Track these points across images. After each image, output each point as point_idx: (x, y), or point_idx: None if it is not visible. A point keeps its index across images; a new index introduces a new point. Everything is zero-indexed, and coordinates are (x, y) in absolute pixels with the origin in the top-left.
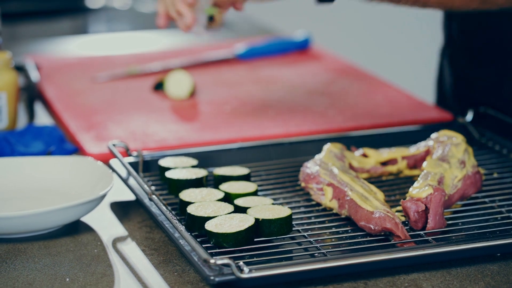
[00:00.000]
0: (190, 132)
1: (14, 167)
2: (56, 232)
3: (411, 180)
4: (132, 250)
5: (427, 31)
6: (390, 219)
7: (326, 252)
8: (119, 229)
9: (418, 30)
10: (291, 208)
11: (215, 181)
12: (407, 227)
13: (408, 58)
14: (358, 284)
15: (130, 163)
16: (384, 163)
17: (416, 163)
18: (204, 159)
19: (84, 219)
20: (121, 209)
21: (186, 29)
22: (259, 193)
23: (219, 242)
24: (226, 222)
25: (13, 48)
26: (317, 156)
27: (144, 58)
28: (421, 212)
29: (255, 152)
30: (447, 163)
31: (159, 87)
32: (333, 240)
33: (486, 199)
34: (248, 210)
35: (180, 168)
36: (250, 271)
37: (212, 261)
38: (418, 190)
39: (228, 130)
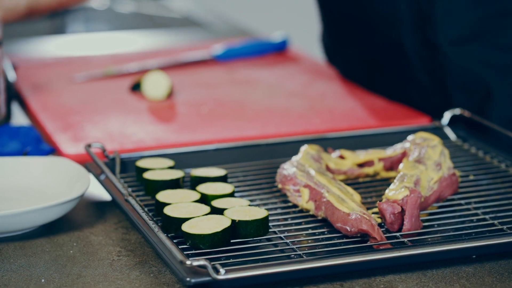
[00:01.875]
0: (167, 133)
1: None
2: (32, 233)
3: (387, 182)
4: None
5: None
6: (366, 220)
7: (303, 253)
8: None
9: None
10: (268, 209)
11: (192, 182)
12: (383, 229)
13: None
14: (334, 286)
15: (107, 164)
16: (360, 165)
17: (392, 165)
18: (181, 160)
19: (60, 220)
20: (98, 210)
21: None
22: (236, 194)
23: (196, 243)
24: (202, 224)
25: None
26: (294, 158)
27: (122, 58)
28: (397, 214)
29: (232, 153)
30: (423, 165)
31: (136, 87)
32: (309, 241)
33: (462, 201)
34: (225, 212)
35: (157, 169)
36: (226, 272)
37: (188, 262)
38: (394, 192)
39: (205, 131)
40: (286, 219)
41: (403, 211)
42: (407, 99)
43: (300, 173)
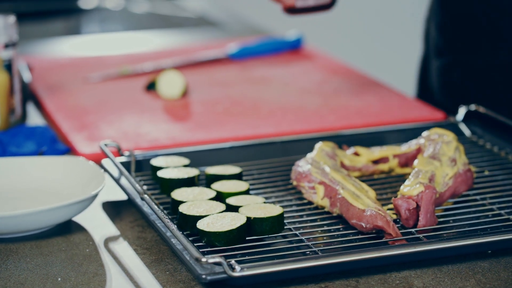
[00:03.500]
0: (182, 132)
1: (6, 167)
2: (48, 232)
3: (402, 178)
4: (124, 249)
5: (419, 30)
6: (381, 217)
7: (318, 250)
8: (111, 229)
9: (411, 28)
10: (283, 206)
11: (207, 180)
12: (399, 225)
13: (400, 57)
14: (349, 282)
15: (122, 163)
16: (375, 162)
17: (407, 161)
18: (196, 159)
19: (76, 219)
20: (113, 209)
21: None
22: (251, 192)
23: (211, 241)
24: (218, 221)
25: None
26: (309, 155)
27: (137, 58)
28: (412, 210)
29: (247, 151)
30: (438, 161)
31: (151, 87)
32: (324, 238)
33: (477, 197)
34: (240, 209)
35: (172, 168)
36: (242, 269)
37: (203, 259)
38: (409, 188)
39: (220, 129)
40: (301, 216)
41: (418, 207)
42: None
43: (315, 170)
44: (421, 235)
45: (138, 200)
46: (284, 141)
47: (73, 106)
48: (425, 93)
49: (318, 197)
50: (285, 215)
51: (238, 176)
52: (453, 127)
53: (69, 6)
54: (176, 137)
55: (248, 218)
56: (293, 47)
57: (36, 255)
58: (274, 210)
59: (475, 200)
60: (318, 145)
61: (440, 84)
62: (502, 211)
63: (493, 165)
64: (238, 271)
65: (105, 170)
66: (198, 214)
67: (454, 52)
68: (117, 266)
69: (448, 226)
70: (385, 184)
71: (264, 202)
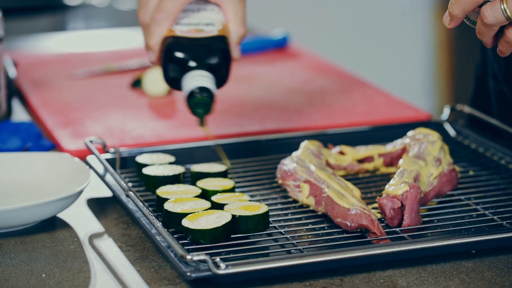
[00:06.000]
0: (168, 129)
1: None
2: (32, 228)
3: (387, 177)
4: (108, 246)
5: (406, 29)
6: (366, 216)
7: (303, 248)
8: (95, 226)
9: (398, 27)
10: (268, 205)
11: (192, 178)
12: (383, 224)
13: (387, 57)
14: (334, 280)
15: (107, 160)
16: (360, 161)
17: (392, 160)
18: (182, 156)
19: (61, 215)
20: (98, 206)
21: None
22: (236, 190)
23: (196, 239)
24: (203, 219)
25: None
26: (294, 153)
27: (122, 55)
28: (397, 209)
29: (233, 149)
30: (423, 161)
31: (136, 84)
32: (309, 236)
33: (462, 197)
34: (225, 207)
35: (157, 165)
36: (226, 267)
37: (188, 257)
38: (394, 187)
39: None
40: (286, 215)
41: (403, 207)
42: None
43: (300, 169)
44: (405, 235)
45: (123, 197)
46: (269, 139)
47: (58, 103)
48: (481, 99)
49: (303, 196)
50: (270, 213)
51: (223, 174)
52: (438, 127)
53: (54, 2)
54: (161, 134)
55: (233, 216)
56: (279, 46)
57: (20, 251)
58: (259, 208)
59: (460, 200)
60: (304, 144)
61: (497, 108)
62: (487, 211)
63: (477, 165)
64: (223, 269)
65: (90, 166)
66: (183, 212)
67: (508, 82)
68: (101, 263)
69: (433, 226)
70: (370, 183)
71: (249, 200)
